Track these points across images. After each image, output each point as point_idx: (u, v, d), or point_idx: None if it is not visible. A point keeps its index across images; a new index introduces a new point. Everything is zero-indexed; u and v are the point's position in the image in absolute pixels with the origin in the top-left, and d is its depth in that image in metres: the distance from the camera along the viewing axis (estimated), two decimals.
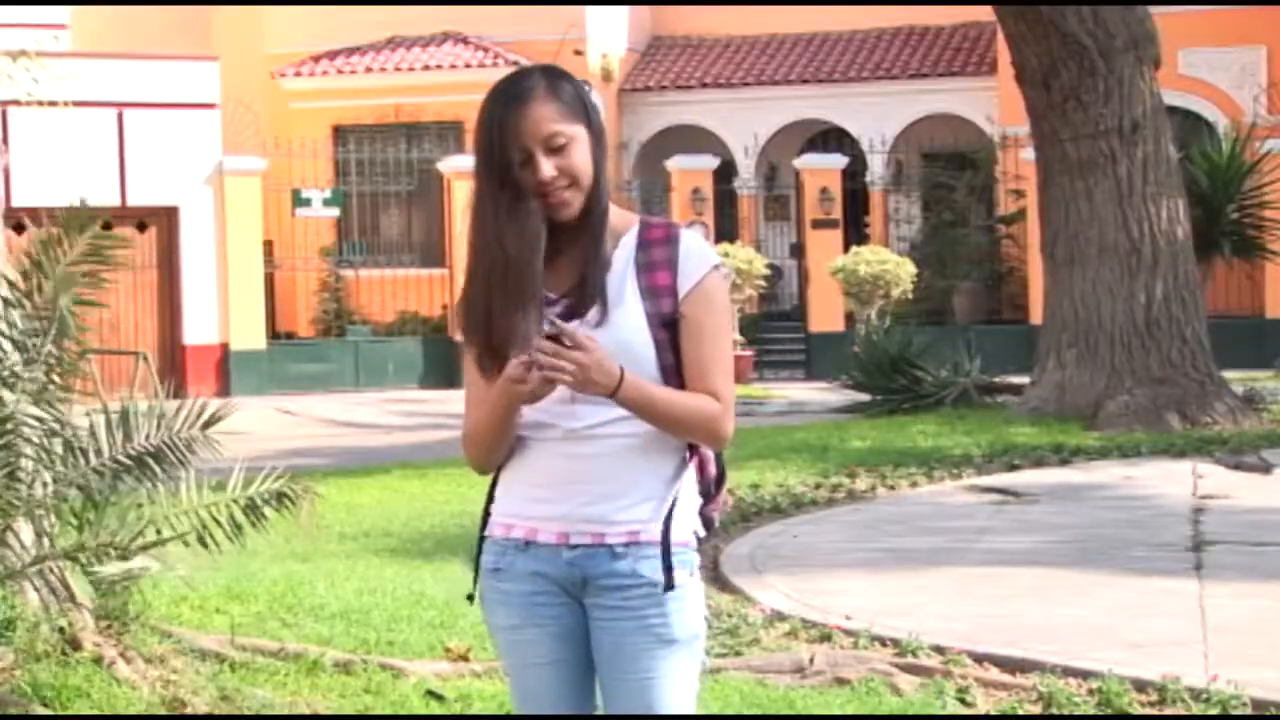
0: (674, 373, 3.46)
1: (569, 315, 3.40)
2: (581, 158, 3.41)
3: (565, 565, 3.45)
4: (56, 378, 5.61)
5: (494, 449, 3.47)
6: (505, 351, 3.37)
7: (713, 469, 3.58)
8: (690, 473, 3.51)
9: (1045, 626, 7.83)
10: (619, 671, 3.43)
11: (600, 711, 3.54)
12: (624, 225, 3.51)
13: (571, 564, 3.44)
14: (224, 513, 5.70)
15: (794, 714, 6.24)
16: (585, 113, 3.45)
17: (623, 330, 3.41)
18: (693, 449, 3.51)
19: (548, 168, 3.38)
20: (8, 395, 5.48)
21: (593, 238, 3.44)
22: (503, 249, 3.39)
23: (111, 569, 5.44)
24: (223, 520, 5.70)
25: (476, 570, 3.59)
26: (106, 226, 5.74)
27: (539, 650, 3.50)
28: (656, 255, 3.47)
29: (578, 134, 3.41)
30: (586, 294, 3.41)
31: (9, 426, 5.47)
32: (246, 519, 5.71)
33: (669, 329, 3.44)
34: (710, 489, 3.58)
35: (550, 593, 3.48)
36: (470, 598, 3.61)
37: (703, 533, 3.54)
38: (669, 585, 3.41)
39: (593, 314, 3.40)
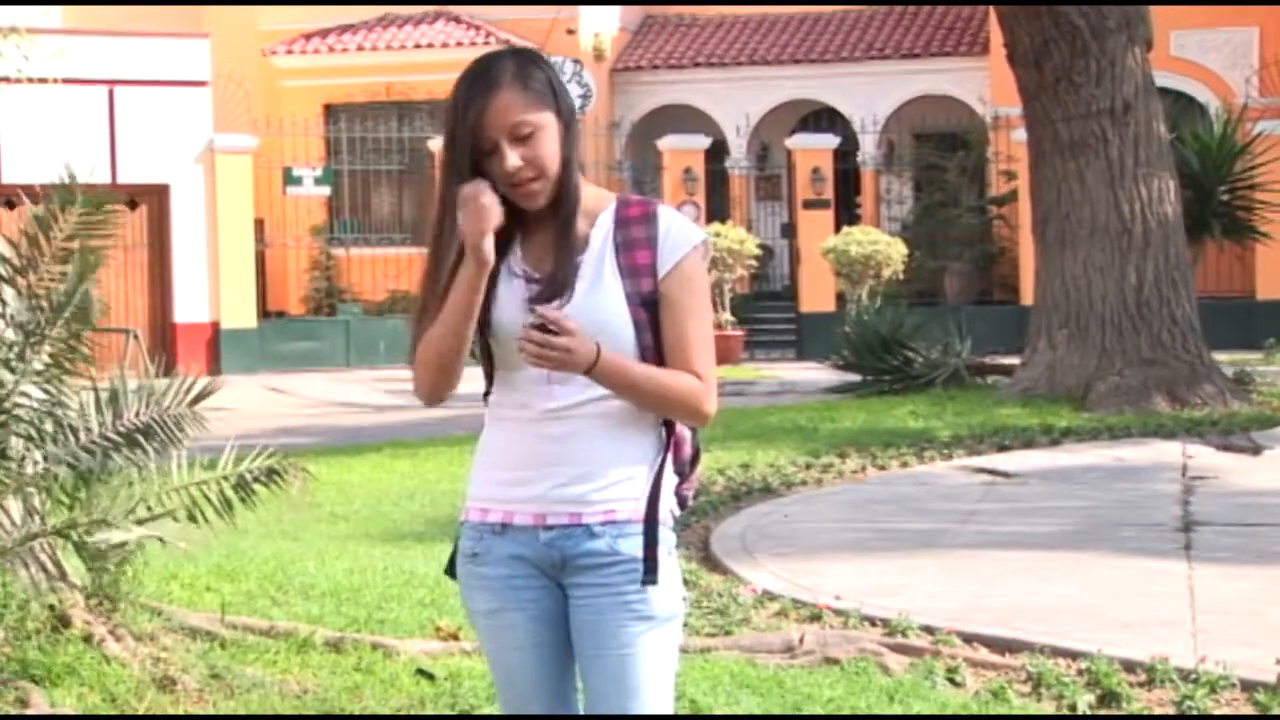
0: (654, 353, 3.43)
1: (545, 297, 3.38)
2: (549, 147, 3.37)
3: (543, 546, 3.43)
4: (65, 362, 5.59)
5: (451, 358, 3.41)
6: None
7: (688, 449, 3.57)
8: (666, 453, 3.49)
9: (1035, 607, 7.84)
10: (597, 649, 3.41)
11: (580, 694, 3.54)
12: (600, 204, 3.47)
13: (549, 545, 3.43)
14: (214, 490, 5.70)
15: (784, 693, 6.25)
16: (555, 99, 3.40)
17: (601, 311, 3.38)
18: (669, 428, 3.50)
19: (513, 158, 3.34)
20: (7, 376, 5.47)
21: (563, 226, 3.42)
22: (440, 230, 3.42)
23: (101, 536, 5.43)
24: (213, 497, 5.70)
25: (454, 553, 3.58)
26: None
27: (519, 634, 3.48)
28: (635, 233, 3.44)
29: (545, 122, 3.37)
30: (557, 282, 3.39)
31: (6, 406, 5.46)
32: (236, 496, 5.71)
33: (648, 309, 3.42)
34: (685, 468, 3.57)
35: (529, 575, 3.46)
36: (449, 573, 3.59)
37: (678, 511, 3.53)
38: (649, 570, 3.39)
39: (564, 299, 3.38)
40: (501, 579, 3.47)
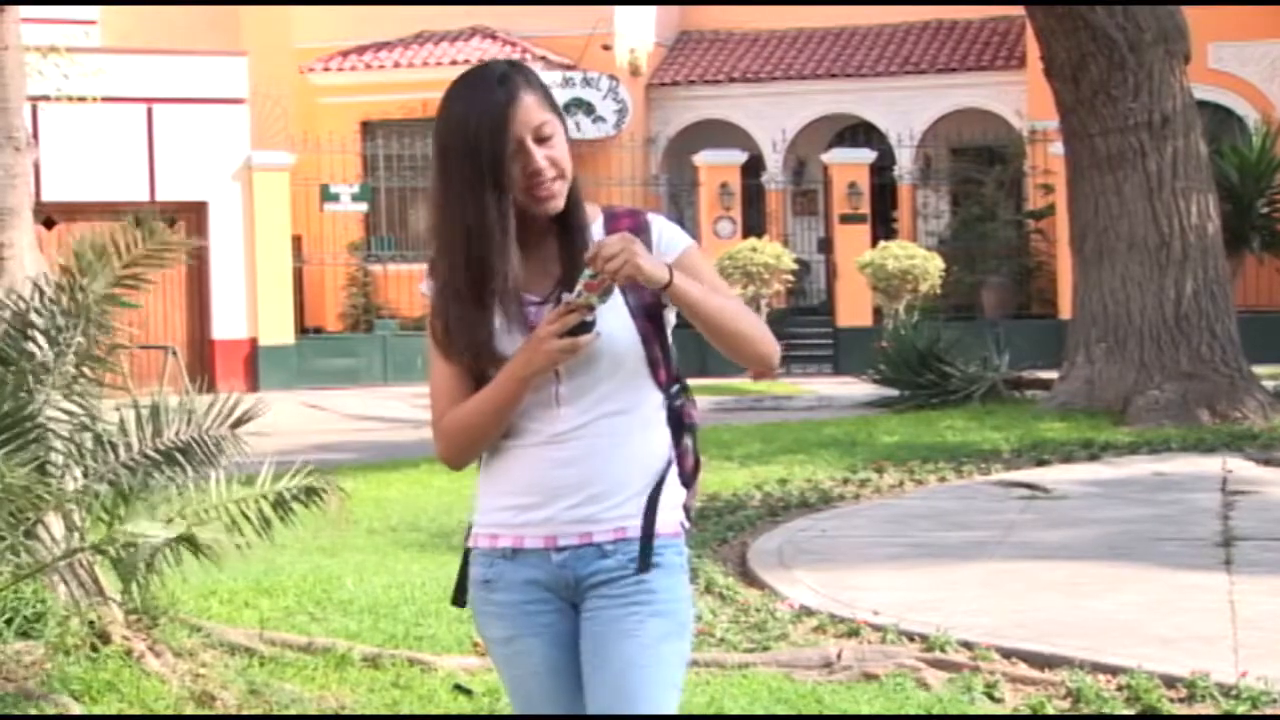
0: (661, 364, 3.42)
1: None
2: (563, 149, 3.37)
3: (556, 568, 3.41)
4: (87, 370, 5.62)
5: (486, 438, 3.41)
6: (483, 353, 3.35)
7: (690, 459, 3.52)
8: (674, 466, 3.47)
9: (1074, 622, 7.81)
10: (603, 659, 3.38)
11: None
12: (589, 216, 3.46)
13: (562, 566, 3.41)
14: (253, 508, 5.72)
15: (822, 709, 6.24)
16: (557, 107, 3.43)
17: (605, 324, 3.32)
18: (675, 438, 3.47)
19: (540, 157, 3.33)
20: (37, 389, 5.50)
21: (575, 231, 3.40)
22: (485, 246, 3.33)
23: (134, 541, 5.44)
24: (251, 515, 5.71)
25: (460, 581, 3.56)
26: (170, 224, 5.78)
27: (534, 659, 3.46)
28: None
29: (558, 124, 3.38)
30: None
31: (39, 420, 5.49)
32: (275, 514, 5.73)
33: (653, 321, 3.41)
34: (688, 479, 3.52)
35: (543, 599, 3.44)
36: (455, 603, 3.58)
37: (688, 524, 3.50)
38: (644, 568, 3.36)
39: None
40: (515, 605, 3.45)
